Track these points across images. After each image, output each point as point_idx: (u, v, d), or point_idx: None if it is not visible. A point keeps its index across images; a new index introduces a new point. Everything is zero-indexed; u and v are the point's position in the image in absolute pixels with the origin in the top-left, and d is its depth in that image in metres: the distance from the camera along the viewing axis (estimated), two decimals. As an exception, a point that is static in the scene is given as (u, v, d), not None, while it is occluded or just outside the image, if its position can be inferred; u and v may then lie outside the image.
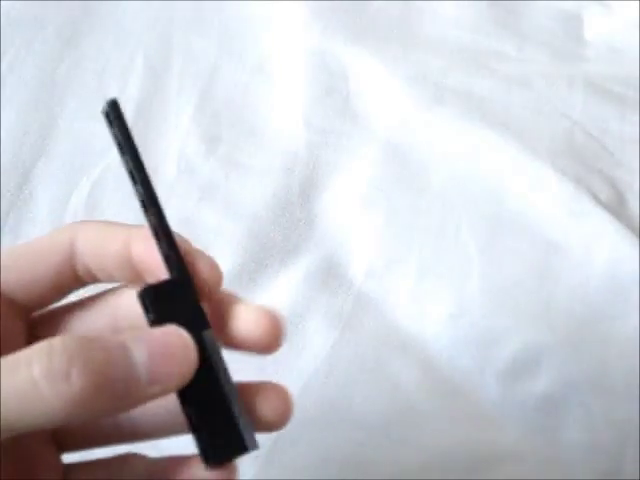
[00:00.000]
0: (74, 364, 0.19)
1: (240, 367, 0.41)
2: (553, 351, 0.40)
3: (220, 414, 0.23)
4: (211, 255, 0.24)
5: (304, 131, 0.47)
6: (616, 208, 0.45)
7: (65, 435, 0.25)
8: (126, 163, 0.23)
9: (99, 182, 0.45)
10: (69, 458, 0.26)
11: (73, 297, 0.26)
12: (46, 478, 0.24)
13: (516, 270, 0.43)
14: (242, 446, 0.23)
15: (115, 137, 0.23)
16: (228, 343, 0.24)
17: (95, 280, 0.25)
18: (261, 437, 0.37)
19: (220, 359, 0.24)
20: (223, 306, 0.24)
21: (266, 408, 0.24)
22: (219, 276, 0.24)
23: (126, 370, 0.20)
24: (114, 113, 0.23)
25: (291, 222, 0.44)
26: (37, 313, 0.25)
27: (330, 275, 0.43)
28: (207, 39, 0.51)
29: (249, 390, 0.24)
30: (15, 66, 0.49)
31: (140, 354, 0.20)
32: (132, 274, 0.24)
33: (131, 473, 0.25)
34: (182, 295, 0.23)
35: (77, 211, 0.44)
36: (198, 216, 0.44)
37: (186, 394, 0.22)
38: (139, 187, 0.23)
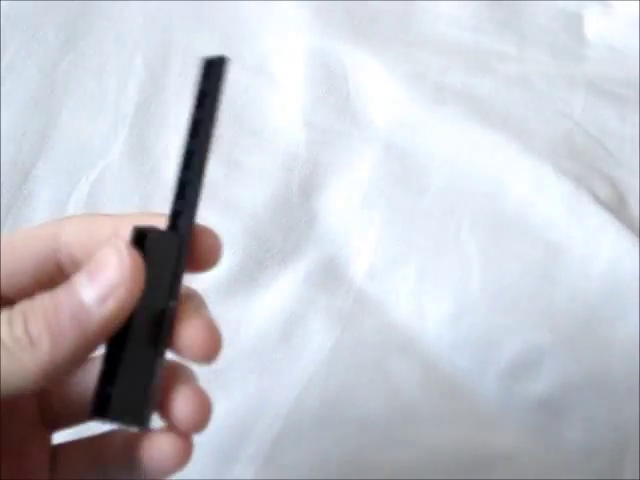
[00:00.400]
0: (30, 323, 0.20)
1: (240, 368, 0.41)
2: (553, 351, 0.40)
3: (136, 381, 0.22)
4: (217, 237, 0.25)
5: (304, 131, 0.47)
6: (616, 208, 0.45)
7: (53, 414, 0.26)
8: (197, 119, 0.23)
9: (98, 182, 0.45)
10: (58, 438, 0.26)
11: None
12: (36, 458, 0.25)
13: (516, 270, 0.43)
14: (137, 419, 0.22)
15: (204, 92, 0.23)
16: (172, 348, 0.24)
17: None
18: (261, 437, 0.37)
19: (166, 336, 0.23)
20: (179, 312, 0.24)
21: (180, 408, 0.23)
22: (214, 256, 0.24)
23: (71, 303, 0.21)
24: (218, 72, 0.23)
25: (291, 222, 0.44)
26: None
27: (330, 275, 0.42)
28: (207, 39, 0.51)
29: (173, 381, 0.24)
30: (15, 66, 0.49)
31: (80, 279, 0.21)
32: None
33: (112, 449, 0.25)
34: (170, 253, 0.23)
35: (77, 211, 0.44)
36: (199, 216, 0.44)
37: (115, 343, 0.22)
38: (197, 142, 0.24)
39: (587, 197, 0.45)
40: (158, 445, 0.24)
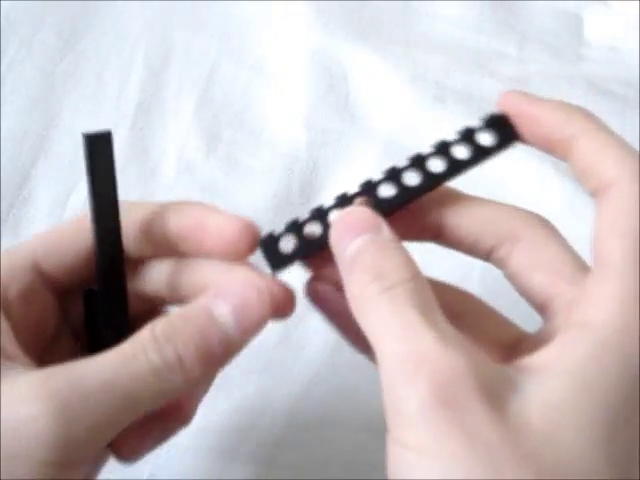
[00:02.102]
0: (180, 350, 0.22)
1: (240, 368, 0.41)
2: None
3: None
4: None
5: (304, 131, 0.47)
6: (616, 208, 0.45)
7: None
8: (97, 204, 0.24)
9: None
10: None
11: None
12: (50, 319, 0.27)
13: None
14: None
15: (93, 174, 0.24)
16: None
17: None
18: (262, 437, 0.37)
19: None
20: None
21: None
22: (229, 237, 0.25)
23: (218, 335, 0.23)
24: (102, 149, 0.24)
25: (291, 222, 0.44)
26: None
27: (330, 275, 0.42)
28: (207, 39, 0.51)
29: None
30: (15, 66, 0.49)
31: (224, 314, 0.23)
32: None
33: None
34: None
35: (76, 211, 0.44)
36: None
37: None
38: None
39: (587, 197, 0.44)
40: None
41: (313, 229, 0.25)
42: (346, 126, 0.48)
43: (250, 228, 0.25)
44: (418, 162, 0.26)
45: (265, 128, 0.48)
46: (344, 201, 0.26)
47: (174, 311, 0.24)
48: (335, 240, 0.23)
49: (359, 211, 0.24)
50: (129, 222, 0.26)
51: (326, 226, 0.25)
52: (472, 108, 0.48)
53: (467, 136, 0.26)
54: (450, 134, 0.26)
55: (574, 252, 0.26)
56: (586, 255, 0.43)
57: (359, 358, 0.41)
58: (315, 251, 0.25)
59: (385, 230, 0.23)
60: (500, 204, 0.26)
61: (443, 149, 0.25)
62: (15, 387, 0.22)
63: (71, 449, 0.21)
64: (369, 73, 0.50)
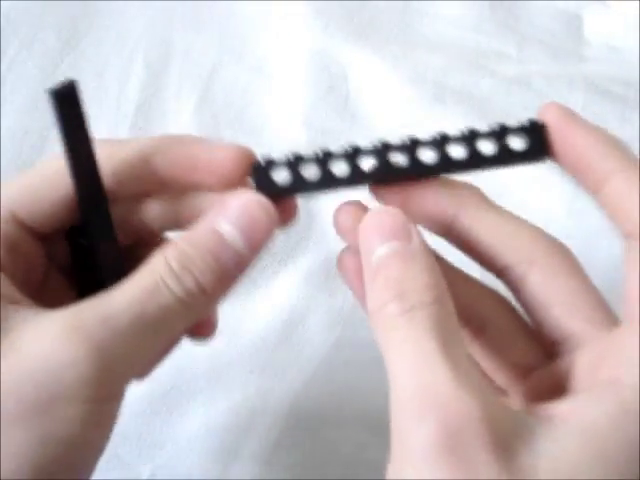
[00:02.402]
0: (199, 277, 0.23)
1: (240, 368, 0.41)
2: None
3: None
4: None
5: (304, 131, 0.47)
6: (616, 208, 0.45)
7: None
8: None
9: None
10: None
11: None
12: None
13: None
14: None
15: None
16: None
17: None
18: (262, 437, 0.37)
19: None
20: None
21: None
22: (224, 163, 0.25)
23: (229, 254, 0.23)
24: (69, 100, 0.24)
25: (291, 222, 0.44)
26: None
27: (330, 275, 0.42)
28: (207, 39, 0.51)
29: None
30: (15, 66, 0.49)
31: (233, 233, 0.24)
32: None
33: None
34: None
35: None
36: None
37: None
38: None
39: (586, 196, 0.44)
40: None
41: (311, 171, 0.25)
42: (346, 126, 0.48)
43: (242, 156, 0.25)
44: (440, 142, 0.25)
45: (265, 128, 0.48)
46: (352, 153, 0.25)
47: (179, 237, 0.24)
48: (363, 240, 0.23)
49: (393, 214, 0.23)
50: (117, 160, 0.26)
51: (325, 172, 0.25)
52: (472, 108, 0.48)
53: (499, 133, 0.25)
54: (482, 126, 0.25)
55: (594, 288, 0.25)
56: (586, 255, 0.43)
57: (359, 357, 0.41)
58: (307, 191, 0.25)
59: (416, 240, 0.22)
60: (525, 223, 0.26)
61: (470, 138, 0.25)
62: (41, 330, 0.22)
63: (111, 385, 0.22)
64: (369, 73, 0.50)
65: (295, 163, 0.25)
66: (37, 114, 0.47)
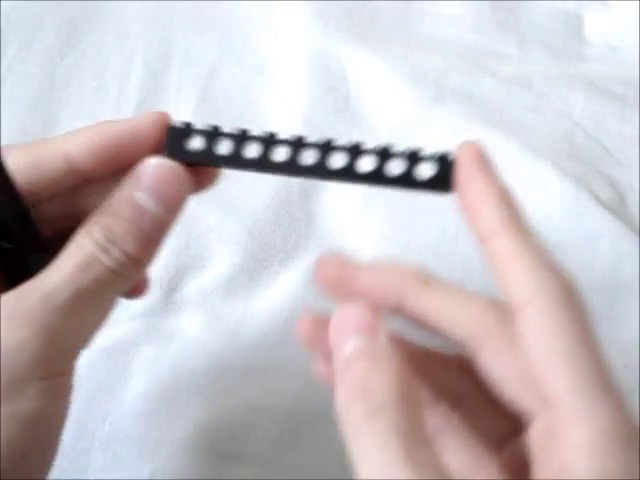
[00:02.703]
0: (125, 247, 0.24)
1: (240, 368, 0.41)
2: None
3: None
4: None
5: (304, 131, 0.47)
6: (616, 208, 0.45)
7: None
8: None
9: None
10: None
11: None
12: None
13: (516, 270, 0.43)
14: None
15: None
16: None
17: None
18: (263, 437, 0.37)
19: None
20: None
21: None
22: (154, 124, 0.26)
23: (147, 220, 0.25)
24: None
25: (291, 222, 0.44)
26: None
27: (330, 275, 0.42)
28: (207, 39, 0.51)
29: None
30: (15, 66, 0.49)
31: (146, 200, 0.25)
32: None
33: None
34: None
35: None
36: (198, 216, 0.44)
37: None
38: None
39: (587, 197, 0.44)
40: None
41: (226, 146, 0.26)
42: (346, 126, 0.48)
43: (159, 122, 0.26)
44: (353, 150, 0.25)
45: (265, 128, 0.48)
46: (269, 140, 0.26)
47: (99, 211, 0.25)
48: (333, 337, 0.24)
49: (358, 310, 0.23)
50: (36, 163, 0.26)
51: (237, 151, 0.26)
52: (472, 108, 0.48)
53: (411, 157, 0.25)
54: (401, 146, 0.25)
55: (540, 359, 0.23)
56: (586, 256, 0.43)
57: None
58: (215, 164, 0.26)
59: (382, 336, 0.22)
60: (470, 298, 0.25)
61: (383, 153, 0.25)
62: None
63: (61, 360, 0.24)
64: (369, 73, 0.50)
65: (211, 134, 0.26)
66: (37, 114, 0.47)
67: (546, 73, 0.51)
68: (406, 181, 0.25)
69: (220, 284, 0.42)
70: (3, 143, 0.45)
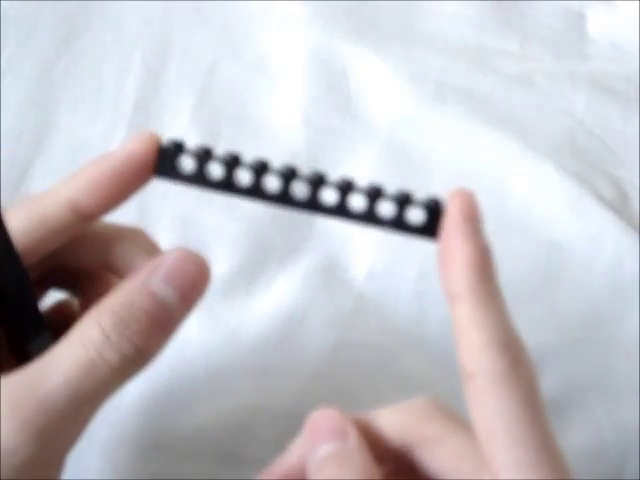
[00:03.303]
0: (136, 340, 0.23)
1: (240, 369, 0.41)
2: (556, 353, 0.40)
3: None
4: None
5: (304, 130, 0.47)
6: (619, 207, 0.45)
7: None
8: None
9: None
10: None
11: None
12: None
13: (518, 270, 0.42)
14: None
15: None
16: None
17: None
18: (263, 438, 0.37)
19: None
20: None
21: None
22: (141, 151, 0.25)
23: (165, 313, 0.23)
24: None
25: (291, 222, 0.44)
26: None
27: (330, 275, 0.42)
28: (206, 37, 0.51)
29: None
30: (12, 65, 0.48)
31: (166, 291, 0.23)
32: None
33: None
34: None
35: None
36: (197, 216, 0.44)
37: None
38: None
39: (590, 196, 0.44)
40: None
41: (217, 170, 0.25)
42: (346, 124, 0.48)
43: (150, 144, 0.25)
44: (345, 187, 0.25)
45: (265, 127, 0.48)
46: (260, 169, 0.25)
47: (112, 298, 0.24)
48: (306, 442, 0.24)
49: (329, 416, 0.24)
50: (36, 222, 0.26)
51: (228, 176, 0.25)
52: (474, 106, 0.48)
53: (401, 200, 0.25)
54: (392, 187, 0.25)
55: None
56: (588, 256, 0.43)
57: (359, 358, 0.41)
58: (206, 188, 0.25)
59: (352, 439, 0.23)
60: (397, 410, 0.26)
61: (374, 194, 0.25)
62: None
63: (53, 460, 0.23)
64: (370, 71, 0.50)
65: (203, 157, 0.25)
66: (34, 113, 0.47)
67: (548, 71, 0.51)
68: (395, 224, 0.25)
69: (219, 284, 0.42)
70: (0, 142, 0.45)
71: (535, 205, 0.44)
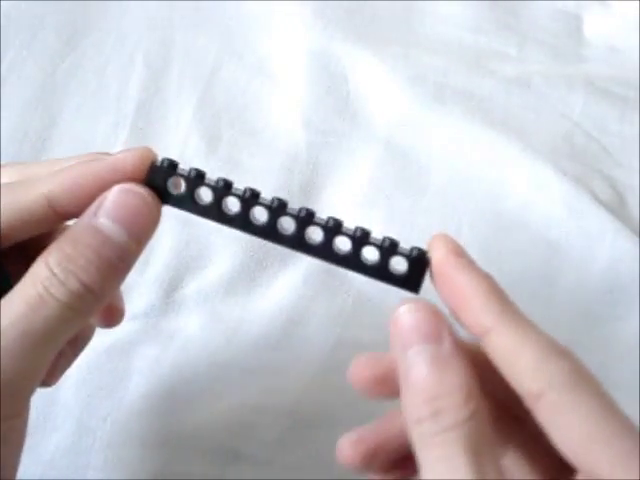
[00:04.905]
0: (83, 277, 0.22)
1: (240, 368, 0.41)
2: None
3: None
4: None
5: (304, 131, 0.47)
6: (616, 208, 0.45)
7: None
8: None
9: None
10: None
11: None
12: None
13: (516, 270, 0.43)
14: None
15: None
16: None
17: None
18: (263, 437, 0.37)
19: None
20: None
21: None
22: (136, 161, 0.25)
23: (111, 248, 0.23)
24: None
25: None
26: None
27: (330, 275, 0.42)
28: (207, 39, 0.51)
29: None
30: (15, 66, 0.49)
31: (110, 226, 0.23)
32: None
33: None
34: None
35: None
36: (198, 216, 0.44)
37: None
38: None
39: (587, 197, 0.45)
40: None
41: (206, 195, 0.25)
42: (346, 126, 0.48)
43: (143, 159, 0.25)
44: (332, 229, 0.25)
45: (265, 128, 0.48)
46: (249, 199, 0.25)
47: (60, 237, 0.24)
48: (394, 338, 0.22)
49: (426, 313, 0.22)
50: (16, 209, 0.25)
51: (216, 203, 0.25)
52: (472, 108, 0.48)
53: (387, 249, 0.24)
54: (380, 233, 0.25)
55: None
56: (587, 255, 0.43)
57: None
58: (191, 212, 0.25)
59: (447, 341, 0.21)
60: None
61: (360, 239, 0.25)
62: None
63: (10, 403, 0.23)
64: (369, 73, 0.50)
65: (193, 181, 0.25)
66: (37, 115, 0.47)
67: (546, 73, 0.51)
68: (377, 272, 0.24)
69: (220, 284, 0.42)
70: (3, 144, 0.45)
71: (533, 206, 0.44)
